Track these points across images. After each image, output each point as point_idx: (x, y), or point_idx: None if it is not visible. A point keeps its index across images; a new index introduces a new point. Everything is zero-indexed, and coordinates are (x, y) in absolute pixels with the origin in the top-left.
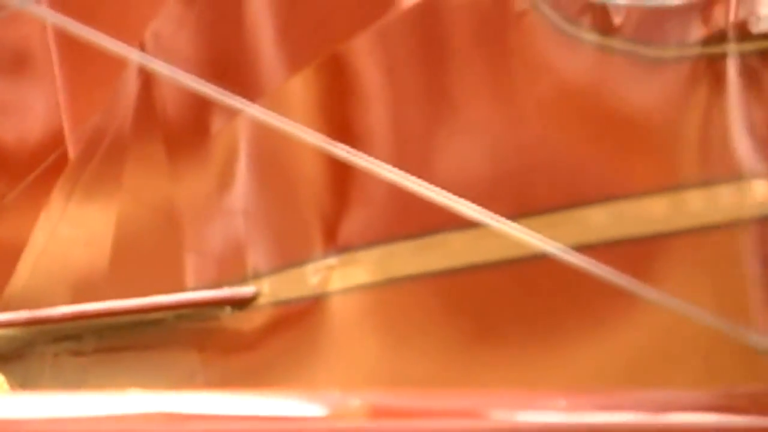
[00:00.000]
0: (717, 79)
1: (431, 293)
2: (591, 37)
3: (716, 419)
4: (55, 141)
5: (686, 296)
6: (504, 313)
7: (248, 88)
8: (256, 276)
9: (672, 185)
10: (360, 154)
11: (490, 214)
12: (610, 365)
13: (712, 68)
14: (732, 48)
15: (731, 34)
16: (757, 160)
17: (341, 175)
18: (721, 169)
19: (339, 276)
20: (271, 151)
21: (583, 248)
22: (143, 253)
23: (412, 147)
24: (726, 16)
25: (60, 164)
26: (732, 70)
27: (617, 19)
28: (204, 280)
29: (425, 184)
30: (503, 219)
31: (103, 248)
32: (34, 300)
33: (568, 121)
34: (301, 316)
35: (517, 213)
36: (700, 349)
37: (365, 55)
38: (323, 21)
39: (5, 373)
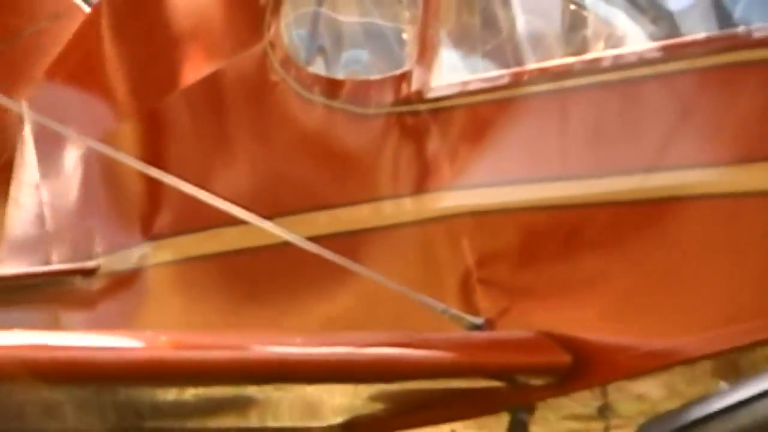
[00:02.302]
0: (403, 127)
1: (214, 268)
2: (320, 99)
3: (400, 351)
4: None
5: (384, 272)
6: (263, 283)
7: (96, 130)
8: (98, 255)
9: (372, 197)
10: (167, 174)
11: (253, 215)
12: (331, 319)
13: (400, 120)
14: (413, 107)
15: (412, 98)
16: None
17: (154, 189)
18: (406, 187)
19: (152, 256)
20: (108, 172)
21: (314, 238)
22: (27, 242)
23: (202, 170)
24: (408, 86)
25: None
26: (412, 120)
27: (337, 87)
28: (63, 258)
29: (210, 194)
30: (261, 218)
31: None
32: None
33: (306, 155)
34: (127, 283)
35: (271, 214)
36: (391, 311)
37: (173, 110)
38: (144, 85)
39: None
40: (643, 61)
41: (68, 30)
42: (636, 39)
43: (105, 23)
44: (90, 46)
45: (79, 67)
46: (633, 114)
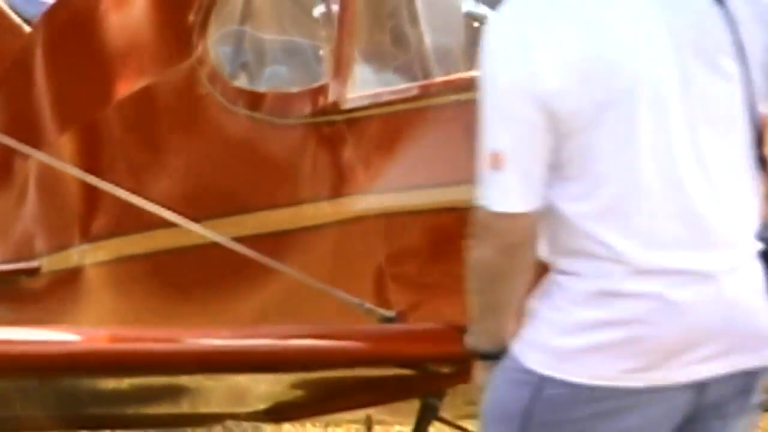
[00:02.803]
0: (321, 136)
1: (147, 267)
2: (244, 111)
3: (319, 342)
4: None
5: (305, 269)
6: (192, 281)
7: (37, 142)
8: (40, 255)
9: (293, 201)
10: (102, 181)
11: (182, 217)
12: (256, 314)
13: (317, 130)
14: (330, 118)
15: (329, 109)
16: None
17: (92, 194)
18: (324, 191)
19: (90, 256)
20: (49, 180)
21: (240, 239)
22: None
23: (136, 176)
24: (325, 98)
25: None
26: (329, 130)
27: (259, 100)
28: (7, 259)
29: (143, 199)
30: (190, 220)
31: None
32: None
33: (231, 163)
34: (68, 281)
35: (200, 217)
36: (312, 306)
37: (108, 122)
38: (81, 101)
39: None
40: None
41: (9, 48)
42: None
43: (43, 43)
44: (30, 64)
45: (19, 84)
46: None
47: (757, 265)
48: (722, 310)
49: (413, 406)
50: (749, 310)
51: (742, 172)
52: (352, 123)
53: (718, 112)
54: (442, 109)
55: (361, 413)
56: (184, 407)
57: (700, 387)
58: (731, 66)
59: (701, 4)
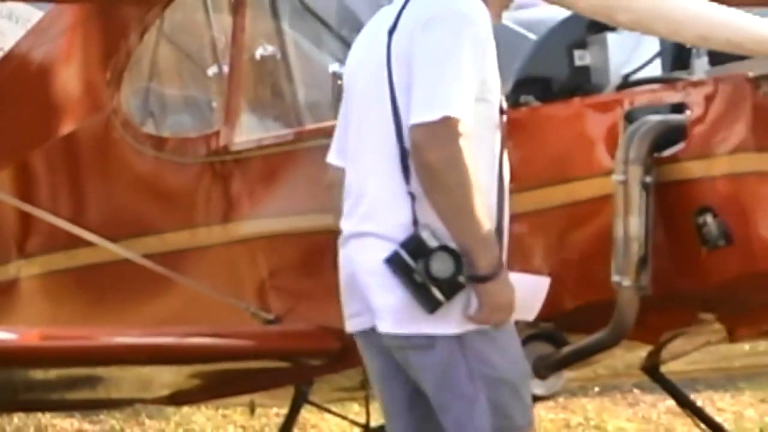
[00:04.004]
0: (213, 172)
1: (70, 279)
2: (151, 151)
3: (212, 340)
4: None
5: (201, 281)
6: (109, 291)
7: None
8: None
9: (191, 225)
10: (35, 208)
11: (99, 237)
12: (161, 319)
13: (211, 167)
14: (221, 158)
15: (220, 151)
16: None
17: (27, 219)
18: (216, 217)
19: (25, 269)
20: None
21: (147, 256)
22: None
23: (63, 204)
24: (218, 142)
25: None
26: (220, 168)
27: (163, 143)
28: None
29: (68, 222)
30: (107, 239)
31: None
32: None
33: (140, 194)
34: (7, 290)
35: (115, 237)
36: (207, 312)
37: (38, 160)
38: (16, 145)
39: None
40: None
41: None
42: None
43: None
44: None
45: None
46: None
47: (377, 242)
48: (345, 272)
49: (288, 391)
50: (356, 275)
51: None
52: (239, 162)
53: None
54: (313, 151)
55: (246, 398)
56: (101, 393)
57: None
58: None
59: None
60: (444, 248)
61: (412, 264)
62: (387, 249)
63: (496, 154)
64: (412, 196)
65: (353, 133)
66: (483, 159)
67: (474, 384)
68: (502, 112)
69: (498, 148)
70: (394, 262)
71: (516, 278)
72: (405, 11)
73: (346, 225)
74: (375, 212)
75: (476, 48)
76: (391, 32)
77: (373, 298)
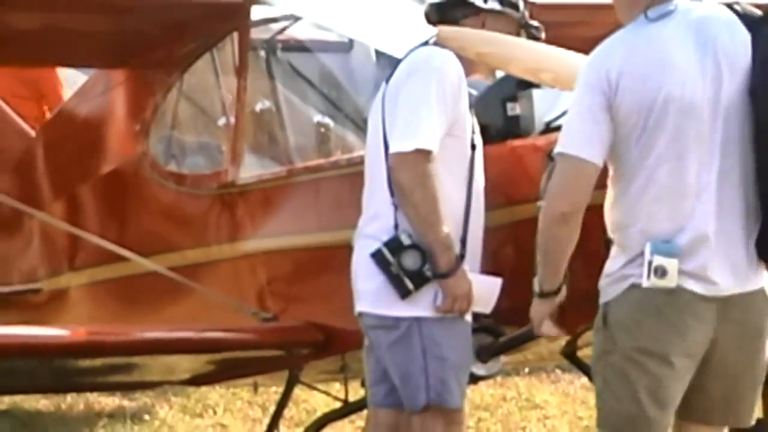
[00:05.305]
0: (223, 202)
1: (111, 287)
2: (173, 186)
3: (223, 334)
4: None
5: (212, 288)
6: (141, 296)
7: (38, 206)
8: (41, 279)
9: (204, 244)
10: (83, 231)
11: (134, 253)
12: (181, 316)
13: (221, 198)
14: (228, 190)
15: (228, 185)
16: (238, 233)
17: (75, 240)
18: (224, 237)
19: (74, 280)
20: (46, 230)
21: (170, 268)
22: None
23: (106, 228)
24: (226, 177)
25: None
26: (228, 198)
27: (183, 178)
28: (20, 281)
29: (109, 242)
30: (139, 255)
31: None
32: None
33: (164, 220)
34: (59, 296)
35: (146, 253)
36: (217, 313)
37: (85, 194)
38: (68, 179)
39: None
40: (358, 162)
41: (18, 146)
42: (359, 147)
43: (44, 143)
44: (34, 156)
45: (28, 168)
46: (355, 192)
47: (368, 241)
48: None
49: (283, 374)
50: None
51: None
52: (242, 193)
53: None
54: (303, 184)
55: (250, 379)
56: (135, 377)
57: None
58: None
59: None
60: (415, 247)
61: (390, 258)
62: (374, 246)
63: (466, 179)
64: (395, 206)
65: (366, 158)
66: (454, 183)
67: (425, 360)
68: (473, 147)
69: (467, 175)
70: (377, 256)
71: (474, 278)
72: (399, 65)
73: (359, 225)
74: (373, 218)
75: (446, 95)
76: (387, 80)
77: (358, 284)
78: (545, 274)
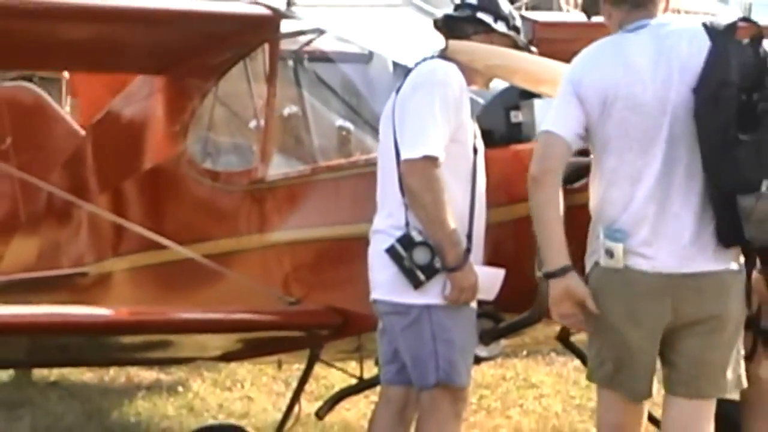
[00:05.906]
0: (253, 197)
1: (151, 272)
2: (208, 182)
3: (252, 315)
4: None
5: (243, 274)
6: (178, 280)
7: (86, 198)
8: (89, 264)
9: (236, 234)
10: (126, 221)
11: (173, 242)
12: (211, 300)
13: (251, 193)
14: (258, 186)
15: (258, 181)
16: (266, 225)
17: (119, 229)
18: (254, 228)
19: (118, 265)
20: (94, 220)
21: (205, 256)
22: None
23: (146, 219)
24: (256, 175)
25: None
26: (258, 194)
27: (217, 176)
28: (70, 265)
29: (150, 231)
30: (177, 244)
31: None
32: None
33: (201, 212)
34: (104, 280)
35: (183, 243)
36: (247, 296)
37: (130, 188)
38: (114, 174)
39: None
40: (375, 163)
41: (70, 144)
42: (376, 149)
43: (92, 141)
44: (84, 153)
45: (78, 164)
46: (372, 189)
47: (382, 237)
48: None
49: (305, 352)
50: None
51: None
52: (271, 189)
53: None
54: (325, 182)
55: (275, 357)
56: (171, 353)
57: None
58: None
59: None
60: (425, 243)
61: (403, 253)
62: (388, 242)
63: (469, 180)
64: (406, 206)
65: (378, 162)
66: (459, 184)
67: (435, 343)
68: (475, 151)
69: (471, 177)
70: (391, 251)
71: (479, 269)
72: (408, 77)
73: (374, 222)
74: (387, 216)
75: (449, 105)
76: (398, 90)
77: (374, 275)
78: (542, 251)
